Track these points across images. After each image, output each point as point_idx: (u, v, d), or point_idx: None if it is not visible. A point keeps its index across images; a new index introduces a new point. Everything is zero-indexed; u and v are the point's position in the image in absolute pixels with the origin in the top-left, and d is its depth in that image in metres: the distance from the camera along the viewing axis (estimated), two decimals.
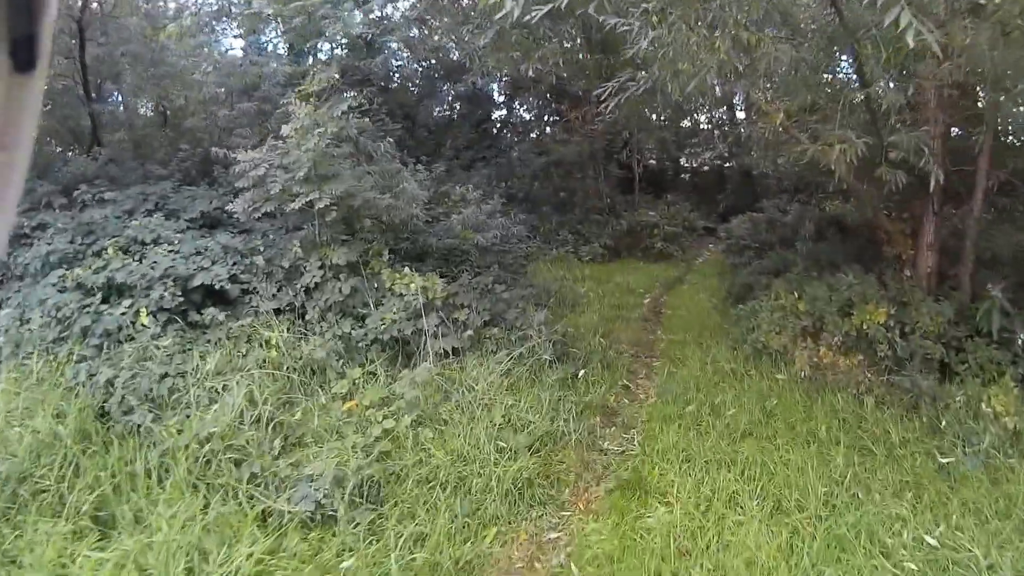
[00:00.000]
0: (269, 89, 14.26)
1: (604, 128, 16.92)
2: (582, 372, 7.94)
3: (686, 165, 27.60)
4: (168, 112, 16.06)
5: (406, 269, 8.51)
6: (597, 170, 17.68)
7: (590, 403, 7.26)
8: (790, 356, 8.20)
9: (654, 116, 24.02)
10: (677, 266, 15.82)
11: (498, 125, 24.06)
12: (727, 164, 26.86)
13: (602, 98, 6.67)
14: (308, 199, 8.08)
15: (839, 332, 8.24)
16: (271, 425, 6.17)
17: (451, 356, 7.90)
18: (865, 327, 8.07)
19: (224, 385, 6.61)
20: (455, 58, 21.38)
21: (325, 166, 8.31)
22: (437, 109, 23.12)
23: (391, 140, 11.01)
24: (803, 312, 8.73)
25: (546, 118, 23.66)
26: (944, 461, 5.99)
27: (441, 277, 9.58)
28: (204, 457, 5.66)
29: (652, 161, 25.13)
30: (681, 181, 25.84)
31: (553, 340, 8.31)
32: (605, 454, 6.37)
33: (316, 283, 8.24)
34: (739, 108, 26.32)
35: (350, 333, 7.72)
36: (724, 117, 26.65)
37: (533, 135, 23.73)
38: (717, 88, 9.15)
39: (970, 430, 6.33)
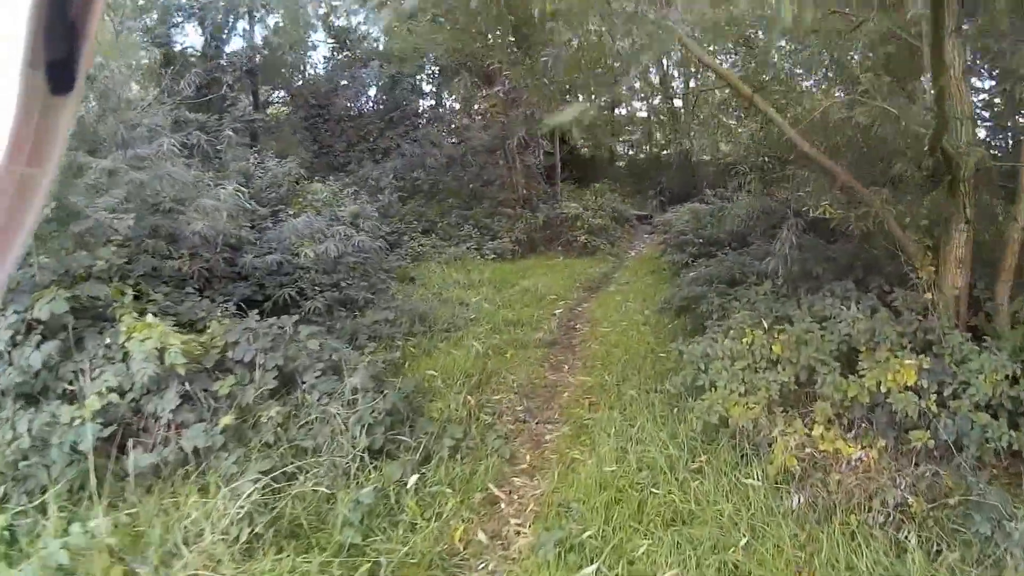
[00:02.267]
0: None
1: (519, 114, 13.24)
2: (414, 478, 4.23)
3: (621, 152, 24.06)
4: None
5: (150, 316, 4.68)
6: (510, 158, 13.84)
7: (409, 559, 3.56)
8: (765, 438, 4.62)
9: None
10: (604, 262, 12.11)
11: (424, 119, 20.07)
12: (664, 151, 23.59)
13: None
14: None
15: (840, 398, 4.76)
16: None
17: (191, 462, 4.18)
18: (884, 391, 4.61)
19: None
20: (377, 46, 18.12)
21: None
22: (357, 100, 19.20)
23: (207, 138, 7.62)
24: (781, 359, 5.18)
25: (476, 107, 19.77)
26: None
27: (250, 308, 5.94)
28: None
29: (583, 148, 21.41)
30: (615, 169, 22.12)
31: (373, 420, 4.59)
32: None
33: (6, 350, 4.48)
34: (677, 95, 23.15)
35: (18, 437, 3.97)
36: (662, 104, 23.38)
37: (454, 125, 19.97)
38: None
39: None
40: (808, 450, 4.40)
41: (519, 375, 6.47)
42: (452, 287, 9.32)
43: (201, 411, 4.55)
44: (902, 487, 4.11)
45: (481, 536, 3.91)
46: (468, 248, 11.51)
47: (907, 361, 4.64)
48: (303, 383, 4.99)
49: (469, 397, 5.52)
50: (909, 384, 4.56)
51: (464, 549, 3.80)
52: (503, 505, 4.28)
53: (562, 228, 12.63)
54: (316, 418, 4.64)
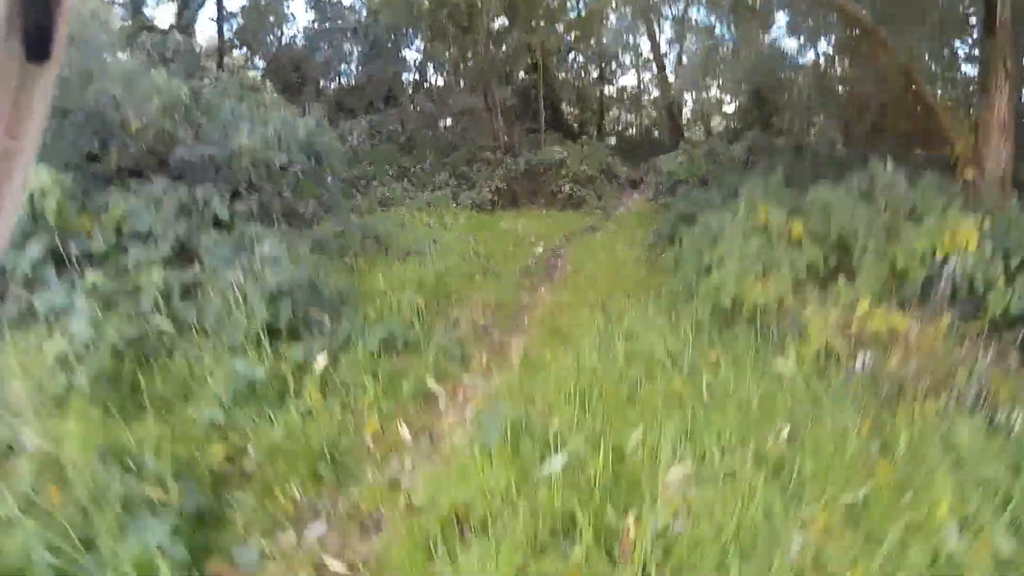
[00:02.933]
0: None
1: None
2: (323, 359, 3.00)
3: (610, 128, 22.81)
4: None
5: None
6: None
7: (287, 446, 2.36)
8: (794, 322, 3.42)
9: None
10: (591, 214, 10.80)
11: (409, 89, 18.94)
12: (655, 130, 22.44)
13: None
14: None
15: (886, 274, 3.60)
16: None
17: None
18: (940, 258, 3.46)
19: None
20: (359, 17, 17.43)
21: None
22: (336, 67, 18.13)
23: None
24: (805, 239, 3.99)
25: (461, 83, 18.60)
26: None
27: None
28: None
29: (570, 121, 20.15)
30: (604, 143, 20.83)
31: (280, 291, 3.40)
32: None
33: None
34: (670, 73, 21.95)
35: None
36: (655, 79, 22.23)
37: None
38: None
39: None
40: (853, 330, 3.21)
41: (489, 295, 5.25)
42: (424, 229, 8.07)
43: (71, 275, 3.52)
44: (986, 362, 2.94)
45: (403, 431, 2.70)
46: (443, 195, 10.27)
47: (966, 222, 3.49)
48: (196, 252, 3.87)
49: (419, 299, 4.30)
50: (971, 248, 3.42)
51: (375, 445, 2.59)
52: (441, 403, 3.05)
53: (546, 177, 11.31)
54: (209, 288, 3.48)
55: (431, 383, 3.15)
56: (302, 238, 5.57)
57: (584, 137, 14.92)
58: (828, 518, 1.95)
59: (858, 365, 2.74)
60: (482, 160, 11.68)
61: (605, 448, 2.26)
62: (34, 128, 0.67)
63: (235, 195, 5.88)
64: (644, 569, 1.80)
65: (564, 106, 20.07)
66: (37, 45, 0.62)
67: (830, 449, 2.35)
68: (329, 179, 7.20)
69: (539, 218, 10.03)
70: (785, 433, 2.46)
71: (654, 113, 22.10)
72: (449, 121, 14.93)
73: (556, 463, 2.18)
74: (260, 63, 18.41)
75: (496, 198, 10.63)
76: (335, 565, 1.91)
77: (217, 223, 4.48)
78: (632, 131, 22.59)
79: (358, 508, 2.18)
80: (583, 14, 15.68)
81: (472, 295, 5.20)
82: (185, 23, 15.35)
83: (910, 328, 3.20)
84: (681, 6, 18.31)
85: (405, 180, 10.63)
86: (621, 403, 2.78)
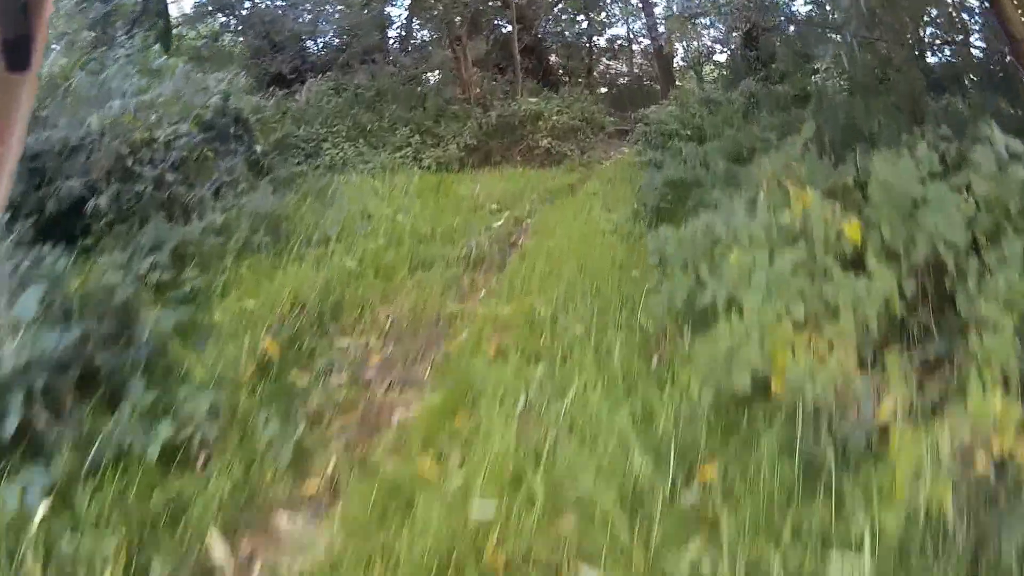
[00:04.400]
0: None
1: None
2: (43, 508, 1.39)
3: (601, 79, 20.47)
4: None
5: None
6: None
7: None
8: (864, 424, 1.72)
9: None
10: (571, 172, 8.77)
11: (396, 44, 16.50)
12: (647, 81, 20.18)
13: None
14: None
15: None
16: None
17: None
18: None
19: None
20: None
21: None
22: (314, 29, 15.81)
23: None
24: (870, 254, 2.23)
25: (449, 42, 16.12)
26: None
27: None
28: None
29: (559, 73, 17.79)
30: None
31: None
32: None
33: None
34: (660, 21, 19.51)
35: None
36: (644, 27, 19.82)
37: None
38: None
39: None
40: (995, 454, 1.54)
41: (401, 305, 3.56)
42: (368, 197, 6.23)
43: None
44: None
45: None
46: (404, 156, 8.39)
47: None
48: None
49: (269, 342, 2.62)
50: None
51: None
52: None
53: (521, 131, 9.33)
54: None
55: (214, 541, 1.53)
56: (170, 243, 3.89)
57: (566, 88, 12.76)
58: None
59: None
60: (449, 115, 9.65)
61: None
62: (18, 134, 0.62)
63: (92, 188, 4.25)
64: None
65: (553, 58, 17.78)
66: (17, 55, 0.57)
67: None
68: (240, 153, 5.53)
69: (511, 178, 8.08)
70: None
71: (645, 64, 19.82)
72: (432, 78, 12.79)
73: None
74: (233, 25, 16.11)
75: (466, 156, 8.72)
76: None
77: None
78: (624, 80, 20.31)
79: None
80: None
81: (382, 308, 3.52)
82: None
83: None
84: None
85: (361, 140, 8.66)
86: None
